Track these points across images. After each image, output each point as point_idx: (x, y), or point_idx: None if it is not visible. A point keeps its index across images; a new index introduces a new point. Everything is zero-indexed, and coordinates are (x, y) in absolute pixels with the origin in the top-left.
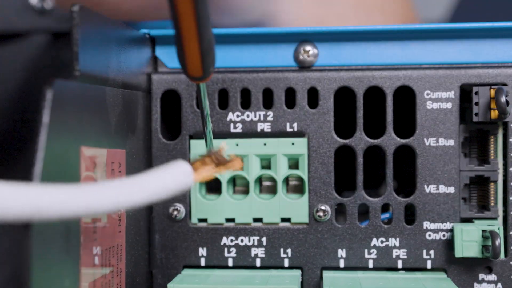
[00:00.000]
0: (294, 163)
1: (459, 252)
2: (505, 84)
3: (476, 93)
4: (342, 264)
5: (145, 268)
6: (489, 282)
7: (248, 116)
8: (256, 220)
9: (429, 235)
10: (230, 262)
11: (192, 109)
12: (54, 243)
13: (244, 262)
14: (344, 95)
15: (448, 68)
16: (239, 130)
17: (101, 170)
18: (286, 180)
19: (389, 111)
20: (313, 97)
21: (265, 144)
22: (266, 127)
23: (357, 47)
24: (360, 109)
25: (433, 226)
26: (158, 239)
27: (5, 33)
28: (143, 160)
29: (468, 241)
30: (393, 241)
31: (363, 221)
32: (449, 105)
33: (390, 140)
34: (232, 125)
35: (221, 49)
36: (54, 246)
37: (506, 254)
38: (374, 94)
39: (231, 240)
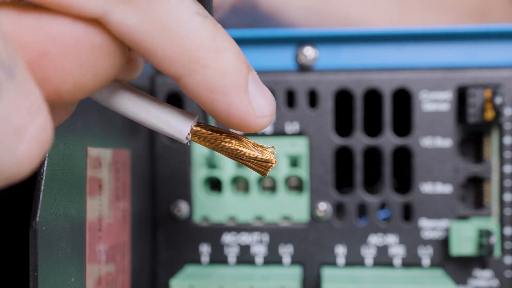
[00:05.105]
0: (294, 163)
1: (455, 249)
2: (500, 86)
3: (472, 94)
4: (341, 261)
5: (149, 265)
6: (484, 278)
7: None
8: (257, 218)
9: (426, 233)
10: (231, 259)
11: (195, 111)
12: (61, 241)
13: (245, 259)
14: (344, 96)
15: (445, 70)
16: None
17: (106, 169)
18: (287, 179)
19: (387, 112)
20: (313, 98)
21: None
22: (267, 127)
23: (356, 50)
24: (359, 110)
25: (430, 224)
26: (161, 237)
27: None
28: (147, 159)
29: (464, 238)
30: (391, 239)
31: (361, 218)
32: (445, 106)
33: (388, 141)
34: None
35: None
36: (61, 243)
37: (501, 251)
38: (372, 95)
39: (233, 238)
